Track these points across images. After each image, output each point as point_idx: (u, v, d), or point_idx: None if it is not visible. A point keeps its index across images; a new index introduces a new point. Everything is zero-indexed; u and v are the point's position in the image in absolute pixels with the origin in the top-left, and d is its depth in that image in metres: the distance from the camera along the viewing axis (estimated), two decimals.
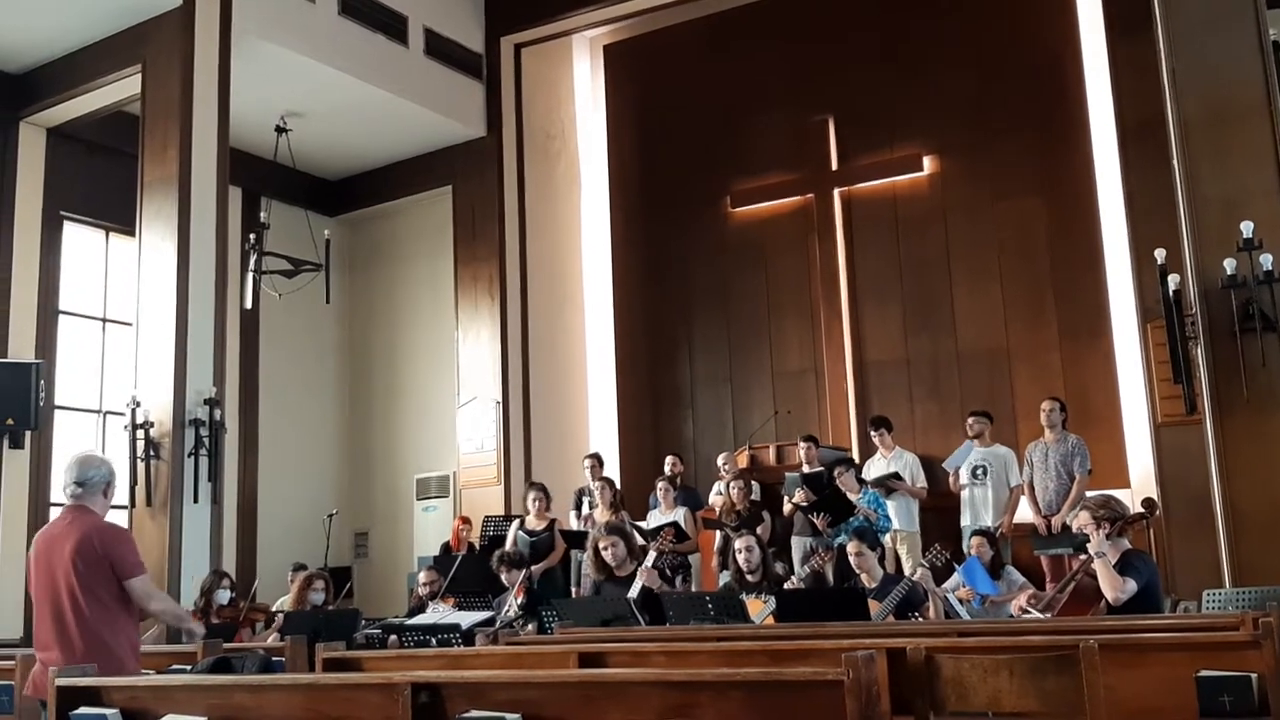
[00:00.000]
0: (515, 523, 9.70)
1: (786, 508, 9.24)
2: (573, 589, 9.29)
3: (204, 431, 9.24)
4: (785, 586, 7.33)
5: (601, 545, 7.23)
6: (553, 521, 9.41)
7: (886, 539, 9.12)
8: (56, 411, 10.70)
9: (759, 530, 8.69)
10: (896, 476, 9.44)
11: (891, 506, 9.35)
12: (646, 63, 13.30)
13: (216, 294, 9.63)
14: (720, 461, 10.17)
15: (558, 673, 3.76)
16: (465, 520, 10.75)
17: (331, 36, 10.71)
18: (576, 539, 9.06)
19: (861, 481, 9.15)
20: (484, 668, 4.07)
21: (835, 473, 8.96)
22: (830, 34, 12.22)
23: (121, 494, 9.60)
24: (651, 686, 3.03)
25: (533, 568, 8.87)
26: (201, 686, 3.70)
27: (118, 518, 10.30)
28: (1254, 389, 6.68)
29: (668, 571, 7.70)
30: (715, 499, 9.88)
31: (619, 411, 12.87)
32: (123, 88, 10.14)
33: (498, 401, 11.80)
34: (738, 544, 7.10)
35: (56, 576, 4.51)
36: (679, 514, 9.21)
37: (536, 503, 9.46)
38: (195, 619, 6.12)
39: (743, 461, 10.40)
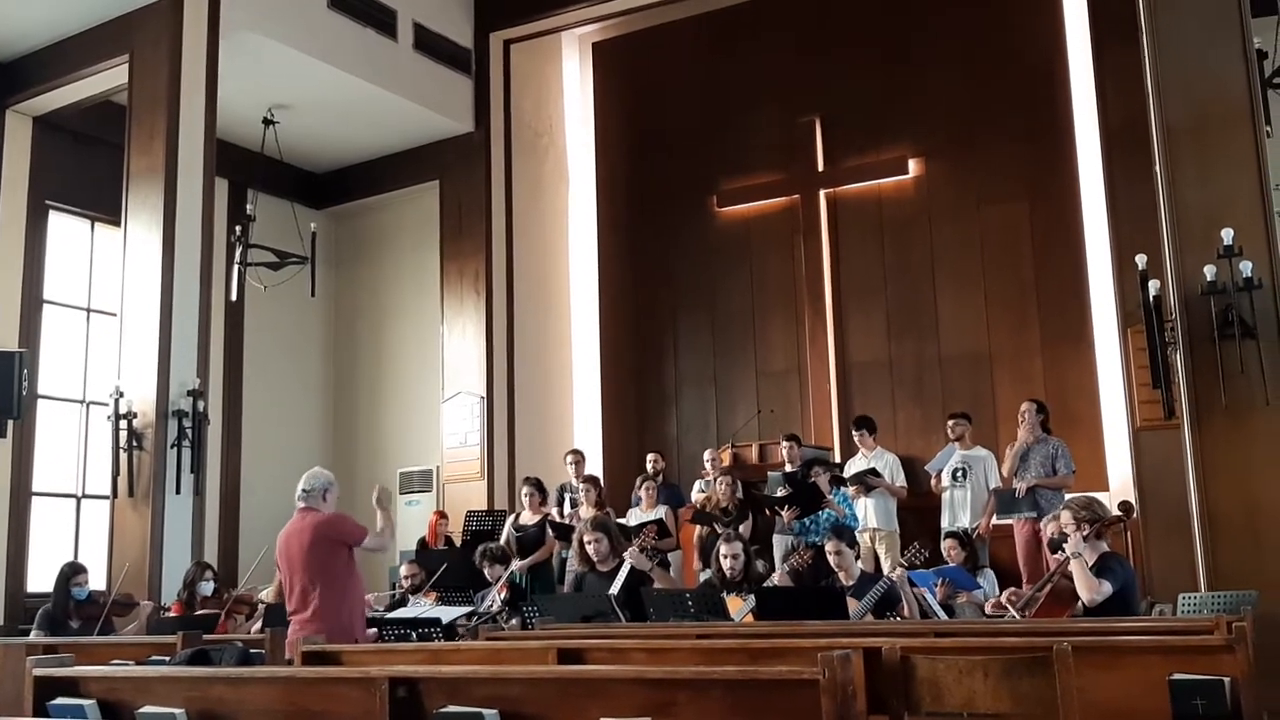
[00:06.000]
0: (510, 518, 9.72)
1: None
2: (558, 585, 9.29)
3: (187, 423, 9.22)
4: (766, 584, 7.36)
5: (586, 539, 7.25)
6: (545, 516, 9.41)
7: (865, 538, 9.17)
8: (39, 401, 10.65)
9: (742, 527, 8.74)
10: (874, 473, 9.48)
11: (871, 505, 9.40)
12: (635, 61, 13.30)
13: (201, 285, 9.61)
14: (707, 457, 10.20)
15: (536, 669, 3.78)
16: (442, 515, 10.76)
17: (320, 30, 10.69)
18: (565, 531, 9.07)
19: (837, 480, 9.20)
20: (463, 663, 4.08)
21: (812, 472, 9.00)
22: (819, 36, 12.26)
23: (103, 484, 9.59)
24: (630, 684, 3.05)
25: (522, 562, 8.89)
26: (179, 678, 3.71)
27: (98, 507, 10.31)
28: (1232, 395, 6.71)
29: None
30: (697, 496, 9.90)
31: (603, 408, 12.87)
32: (110, 78, 10.10)
33: (482, 397, 11.80)
34: (723, 549, 7.08)
35: (296, 563, 5.77)
36: (660, 512, 9.23)
37: (529, 497, 9.46)
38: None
39: (726, 459, 10.43)
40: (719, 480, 9.31)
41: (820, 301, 11.93)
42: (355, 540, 5.84)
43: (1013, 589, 6.62)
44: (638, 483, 9.71)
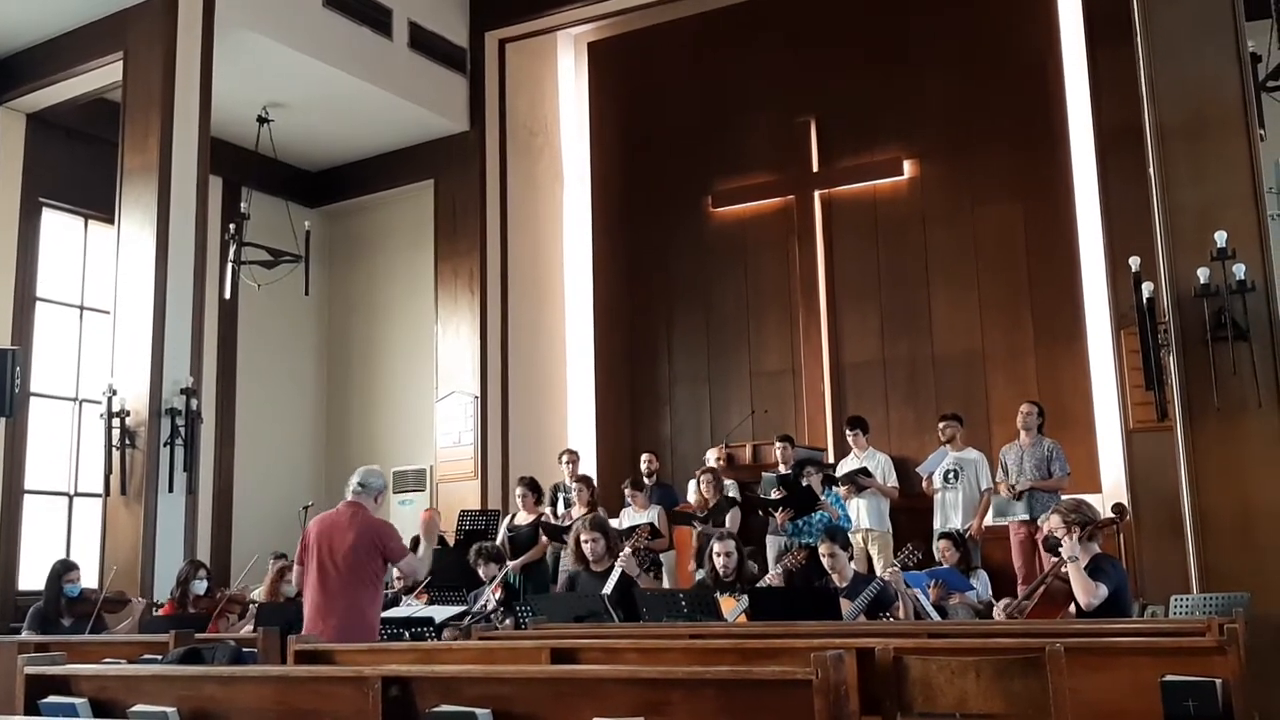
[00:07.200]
0: (506, 519, 9.71)
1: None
2: (553, 585, 9.29)
3: (180, 421, 9.21)
4: (759, 585, 7.36)
5: (584, 539, 7.26)
6: (539, 517, 9.40)
7: (858, 539, 9.18)
8: (32, 399, 10.63)
9: (729, 520, 8.73)
10: (865, 473, 9.48)
11: (863, 505, 9.41)
12: (631, 61, 13.30)
13: (195, 283, 9.60)
14: (710, 456, 10.24)
15: (529, 668, 3.78)
16: (434, 511, 10.72)
17: (315, 28, 10.68)
18: (557, 532, 9.07)
19: (829, 480, 9.21)
20: (456, 662, 4.08)
21: (804, 472, 9.00)
22: (815, 36, 12.25)
23: (95, 482, 9.57)
24: (623, 683, 3.05)
25: (514, 561, 8.89)
26: (171, 677, 3.70)
27: (90, 506, 10.29)
28: (1224, 397, 6.73)
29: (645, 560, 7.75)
30: (692, 497, 9.90)
31: (597, 408, 12.86)
32: (104, 75, 10.08)
33: (476, 396, 11.79)
34: (716, 548, 7.10)
35: (335, 555, 5.75)
36: (653, 513, 9.23)
37: (523, 498, 9.46)
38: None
39: (722, 459, 10.45)
40: (701, 478, 9.33)
41: (814, 302, 11.93)
42: (395, 558, 5.97)
43: (1008, 600, 6.63)
44: (626, 484, 9.68)
